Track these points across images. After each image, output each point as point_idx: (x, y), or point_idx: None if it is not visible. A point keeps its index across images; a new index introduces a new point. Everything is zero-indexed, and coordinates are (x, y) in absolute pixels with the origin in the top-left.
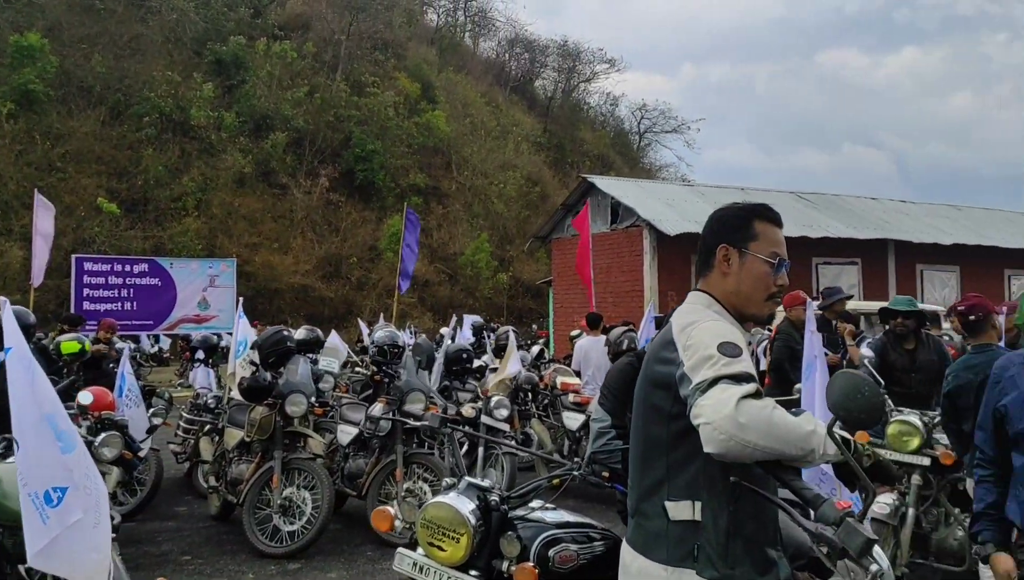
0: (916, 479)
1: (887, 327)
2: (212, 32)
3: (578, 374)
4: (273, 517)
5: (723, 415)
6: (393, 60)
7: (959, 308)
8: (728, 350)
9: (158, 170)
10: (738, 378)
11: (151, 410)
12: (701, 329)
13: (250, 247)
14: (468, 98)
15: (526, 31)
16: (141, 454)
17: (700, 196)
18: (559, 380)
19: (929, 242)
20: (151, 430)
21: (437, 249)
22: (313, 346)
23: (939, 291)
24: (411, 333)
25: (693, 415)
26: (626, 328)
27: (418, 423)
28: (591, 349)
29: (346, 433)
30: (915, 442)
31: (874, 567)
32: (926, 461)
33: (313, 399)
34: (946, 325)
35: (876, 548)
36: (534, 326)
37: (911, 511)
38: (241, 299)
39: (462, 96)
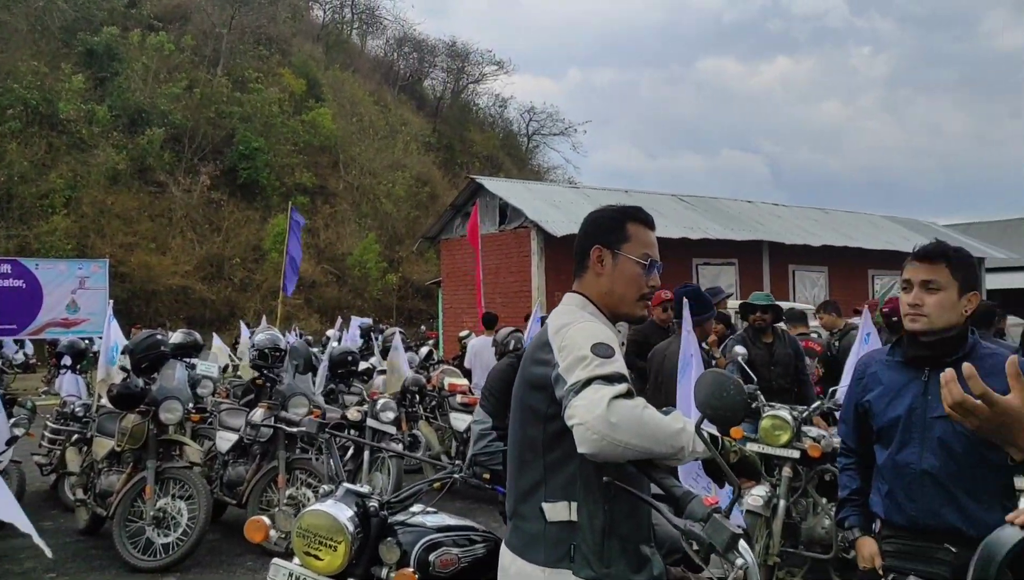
0: (787, 471)
1: (745, 323)
2: (82, 21)
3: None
4: (146, 530)
5: (595, 415)
6: (277, 56)
7: (884, 310)
8: (601, 351)
9: (23, 165)
10: (610, 378)
11: (12, 420)
12: (575, 330)
13: (125, 247)
14: (356, 96)
15: (414, 31)
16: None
17: (586, 198)
18: (447, 381)
19: (800, 243)
20: (11, 441)
21: (324, 249)
22: (191, 350)
23: (809, 290)
24: (296, 336)
25: (567, 416)
26: (513, 328)
27: (297, 429)
28: (483, 349)
29: (225, 440)
30: (786, 436)
31: (739, 561)
32: (796, 454)
33: (190, 405)
34: (814, 322)
35: (742, 542)
36: (422, 327)
37: (782, 502)
38: (111, 301)
39: (350, 94)
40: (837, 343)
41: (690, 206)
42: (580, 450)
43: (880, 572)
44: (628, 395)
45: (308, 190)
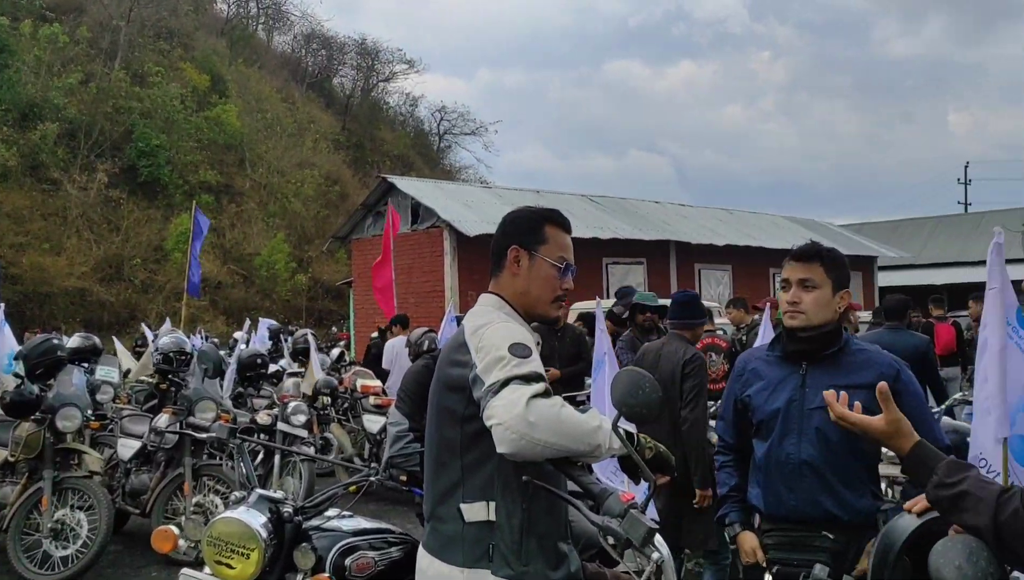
0: None
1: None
2: None
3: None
4: (43, 542)
5: (514, 415)
6: (179, 50)
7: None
8: (519, 351)
9: None
10: (528, 378)
11: None
12: (492, 331)
13: (16, 248)
14: (262, 93)
15: (323, 27)
16: None
17: (498, 198)
18: (359, 383)
19: (706, 243)
20: None
21: (231, 249)
22: (89, 354)
23: (714, 288)
24: (202, 338)
25: (486, 416)
26: (427, 329)
27: (205, 435)
28: (403, 350)
29: (128, 447)
30: None
31: (655, 555)
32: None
33: (89, 412)
34: (721, 319)
35: (657, 536)
36: (333, 328)
37: None
38: (2, 305)
39: (256, 91)
40: (744, 338)
41: (600, 206)
42: (499, 450)
43: (764, 565)
44: (546, 394)
45: (213, 188)
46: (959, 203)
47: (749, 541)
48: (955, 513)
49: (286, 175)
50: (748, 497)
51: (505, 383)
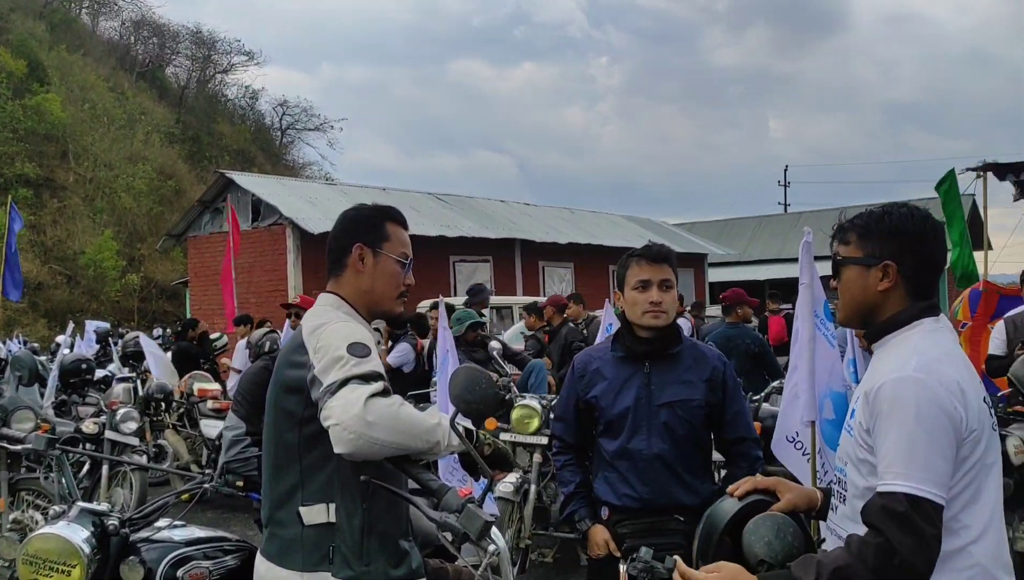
0: (537, 457)
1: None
2: None
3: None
4: None
5: (351, 415)
6: None
7: (722, 296)
8: (357, 350)
9: None
10: (367, 378)
11: None
12: (330, 331)
13: None
14: (87, 82)
15: (154, 14)
16: None
17: (343, 195)
18: (196, 386)
19: (549, 241)
20: None
21: (52, 248)
22: None
23: (557, 285)
24: (19, 343)
25: (323, 417)
26: (268, 329)
27: (22, 446)
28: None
29: None
30: (535, 423)
31: (492, 547)
32: (544, 440)
33: None
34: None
35: (494, 530)
36: (168, 330)
37: (533, 487)
38: None
39: (80, 79)
40: (584, 331)
41: (447, 205)
42: (337, 450)
43: (619, 555)
44: (385, 393)
45: (32, 182)
46: (779, 204)
47: (600, 534)
48: None
49: (115, 169)
50: (595, 492)
51: (343, 383)
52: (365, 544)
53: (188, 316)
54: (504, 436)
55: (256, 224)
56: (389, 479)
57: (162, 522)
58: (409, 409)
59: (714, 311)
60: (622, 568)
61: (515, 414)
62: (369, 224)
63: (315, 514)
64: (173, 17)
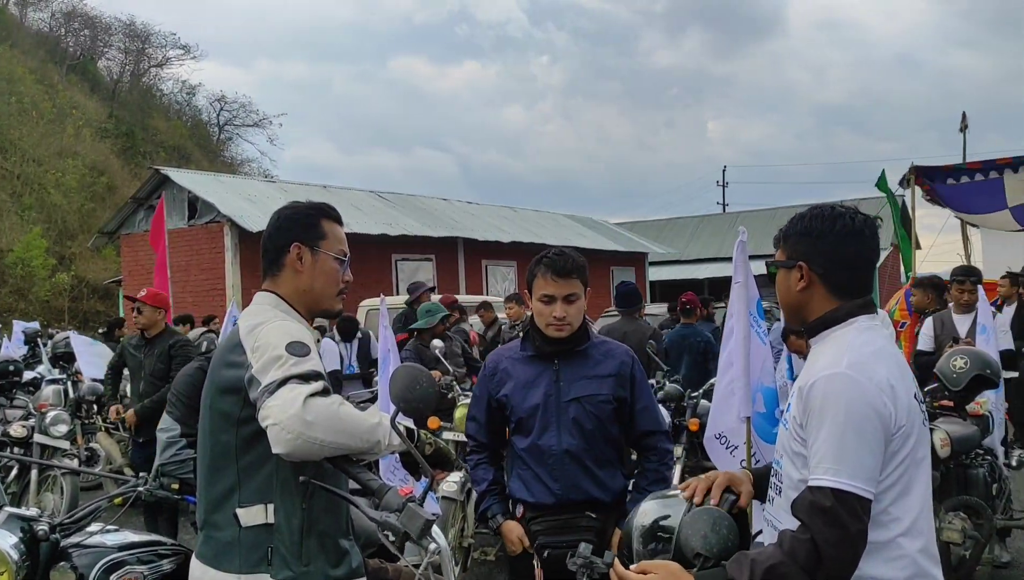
0: None
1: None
2: None
3: None
4: None
5: (290, 414)
6: None
7: (682, 298)
8: (296, 350)
9: None
10: (306, 377)
11: None
12: (269, 330)
13: None
14: (15, 74)
15: (85, 5)
16: None
17: (283, 192)
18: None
19: (492, 240)
20: None
21: None
22: None
23: (500, 284)
24: None
25: (261, 417)
26: (205, 329)
27: None
28: None
29: None
30: None
31: (432, 546)
32: None
33: None
34: (500, 316)
35: (435, 528)
36: (100, 330)
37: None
38: None
39: (7, 71)
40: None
41: (389, 203)
42: (275, 451)
43: (532, 551)
44: (324, 393)
45: None
46: (718, 204)
47: (514, 530)
48: None
49: (44, 164)
50: (509, 490)
51: (282, 383)
52: (304, 544)
53: (122, 316)
54: (447, 435)
55: (192, 222)
56: (329, 479)
57: (94, 527)
58: (349, 409)
59: (654, 310)
60: (536, 564)
61: (458, 413)
62: (306, 222)
63: (253, 515)
64: (105, 9)
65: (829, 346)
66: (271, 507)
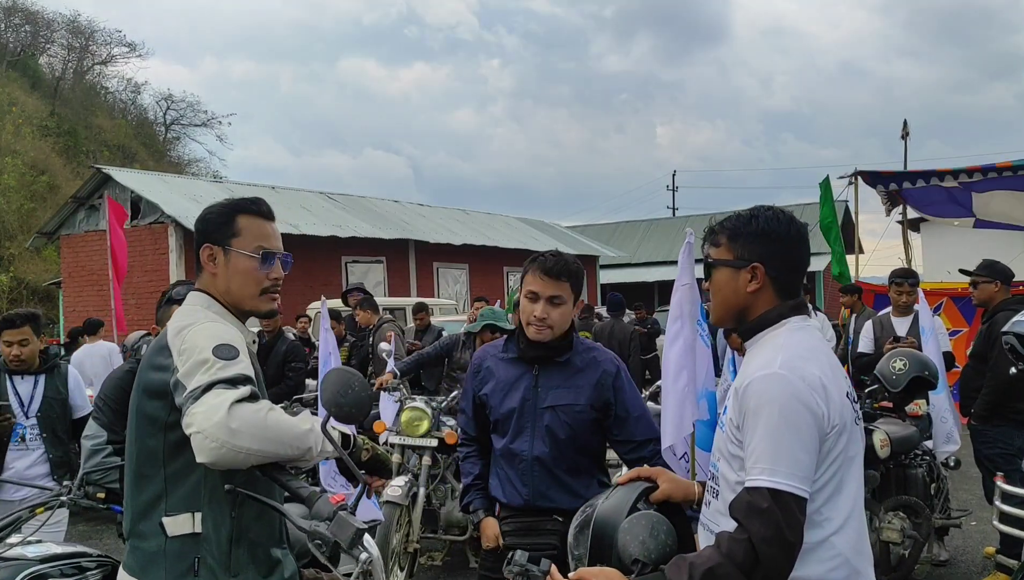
0: (426, 460)
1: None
2: None
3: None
4: None
5: (214, 422)
6: None
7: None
8: (224, 353)
9: None
10: (233, 381)
11: None
12: (196, 332)
13: None
14: None
15: (26, 0)
16: None
17: (229, 193)
18: None
19: (444, 242)
20: None
21: None
22: None
23: (452, 286)
24: None
25: (185, 424)
26: (144, 332)
27: None
28: (86, 358)
29: None
30: (424, 426)
31: (363, 555)
32: (434, 442)
33: None
34: (459, 316)
35: (367, 537)
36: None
37: (422, 491)
38: None
39: None
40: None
41: (339, 204)
42: (199, 459)
43: (504, 550)
44: (252, 398)
45: None
46: (668, 208)
47: (491, 527)
48: None
49: None
50: (490, 487)
51: (208, 388)
52: (234, 554)
53: (62, 319)
54: (394, 439)
55: (135, 222)
56: (259, 487)
57: (14, 538)
58: (278, 415)
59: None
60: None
61: (404, 416)
62: (216, 222)
63: (179, 524)
64: (48, 4)
65: (764, 347)
66: (199, 516)
